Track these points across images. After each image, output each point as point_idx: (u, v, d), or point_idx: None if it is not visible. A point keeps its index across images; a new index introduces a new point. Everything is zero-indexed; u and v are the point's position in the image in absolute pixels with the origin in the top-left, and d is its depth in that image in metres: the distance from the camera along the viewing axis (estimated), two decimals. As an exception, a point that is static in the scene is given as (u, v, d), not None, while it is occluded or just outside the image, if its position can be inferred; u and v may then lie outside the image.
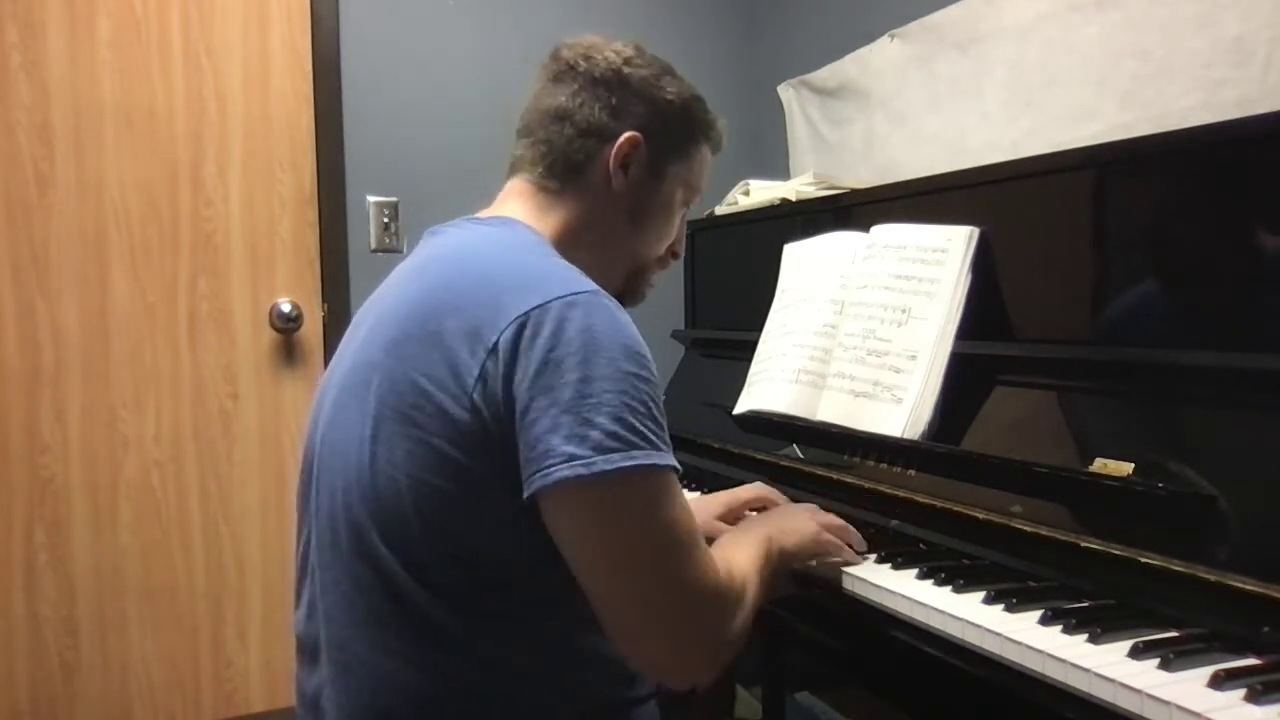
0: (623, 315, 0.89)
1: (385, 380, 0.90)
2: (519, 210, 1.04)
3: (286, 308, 2.26)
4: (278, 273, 2.27)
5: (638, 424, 0.84)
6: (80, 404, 2.11)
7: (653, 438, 0.85)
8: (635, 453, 0.83)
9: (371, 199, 2.35)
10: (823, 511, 1.18)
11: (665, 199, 1.09)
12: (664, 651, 0.88)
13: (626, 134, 1.03)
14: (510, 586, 0.91)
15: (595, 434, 0.82)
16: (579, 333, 0.84)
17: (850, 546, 1.15)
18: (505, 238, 0.99)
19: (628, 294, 1.14)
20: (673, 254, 1.16)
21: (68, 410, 2.10)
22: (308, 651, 0.98)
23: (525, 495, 0.84)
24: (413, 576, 0.88)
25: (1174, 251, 1.10)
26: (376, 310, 1.00)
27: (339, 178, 2.31)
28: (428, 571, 0.88)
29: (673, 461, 0.87)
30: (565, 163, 1.04)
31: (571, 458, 0.81)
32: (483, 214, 1.07)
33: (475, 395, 0.85)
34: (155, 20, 2.14)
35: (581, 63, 1.04)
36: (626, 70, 1.04)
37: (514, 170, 1.08)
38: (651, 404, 0.86)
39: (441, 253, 1.00)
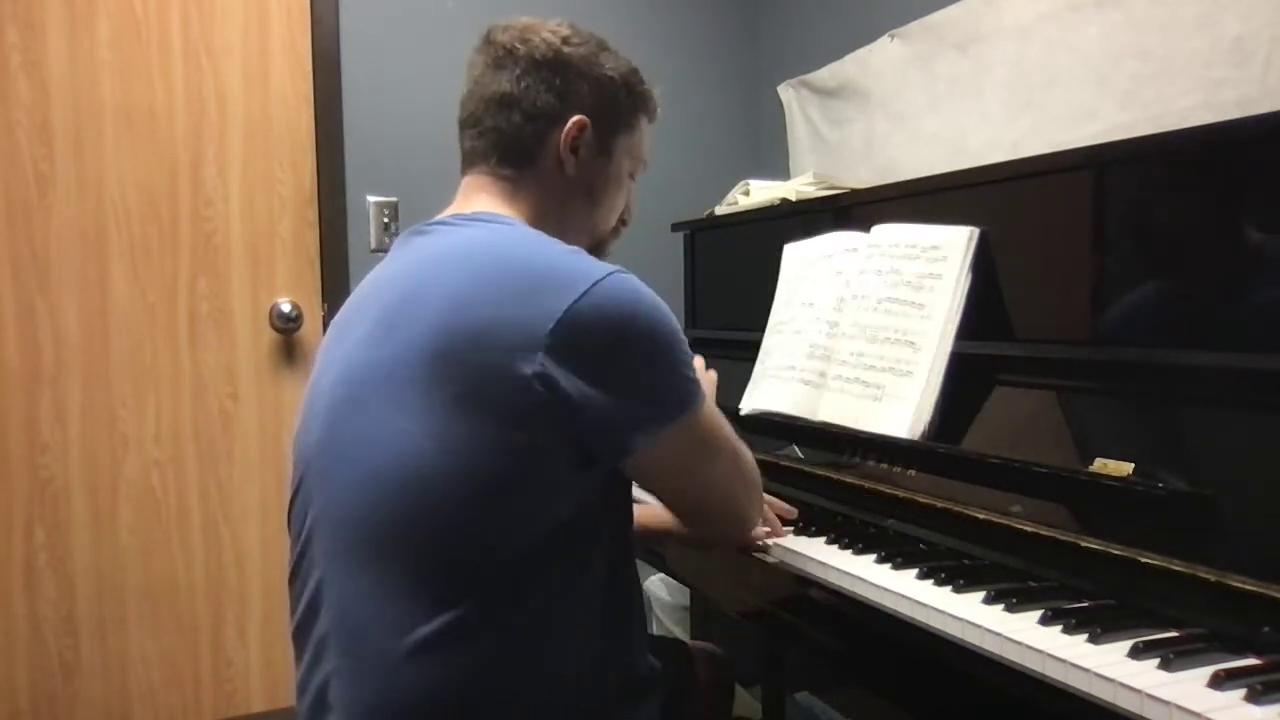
0: (643, 285, 0.96)
1: (431, 373, 0.90)
2: (489, 204, 1.06)
3: (286, 308, 2.26)
4: (278, 273, 2.27)
5: (683, 378, 0.96)
6: (80, 404, 2.11)
7: (693, 383, 0.97)
8: (687, 399, 0.96)
9: (371, 199, 2.35)
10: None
11: (616, 174, 1.12)
12: (743, 516, 1.12)
13: (574, 118, 1.05)
14: (537, 575, 0.92)
15: (658, 400, 0.94)
16: (621, 315, 0.91)
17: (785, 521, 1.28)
18: (511, 232, 1.01)
19: None
20: (623, 222, 1.19)
21: (68, 410, 2.10)
22: (310, 649, 0.98)
23: (607, 465, 0.95)
24: (445, 562, 0.90)
25: (1174, 251, 1.10)
26: (380, 306, 0.98)
27: (339, 178, 2.31)
28: (461, 557, 0.90)
29: (703, 392, 0.99)
30: (517, 149, 1.06)
31: (646, 422, 0.93)
32: (453, 212, 1.07)
33: (535, 384, 0.88)
34: (155, 20, 2.14)
35: (520, 46, 1.05)
36: (566, 50, 1.06)
37: (469, 164, 1.09)
38: (688, 354, 0.97)
39: (456, 252, 0.99)
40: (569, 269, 0.92)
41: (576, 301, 0.89)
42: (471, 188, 1.08)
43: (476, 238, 1.00)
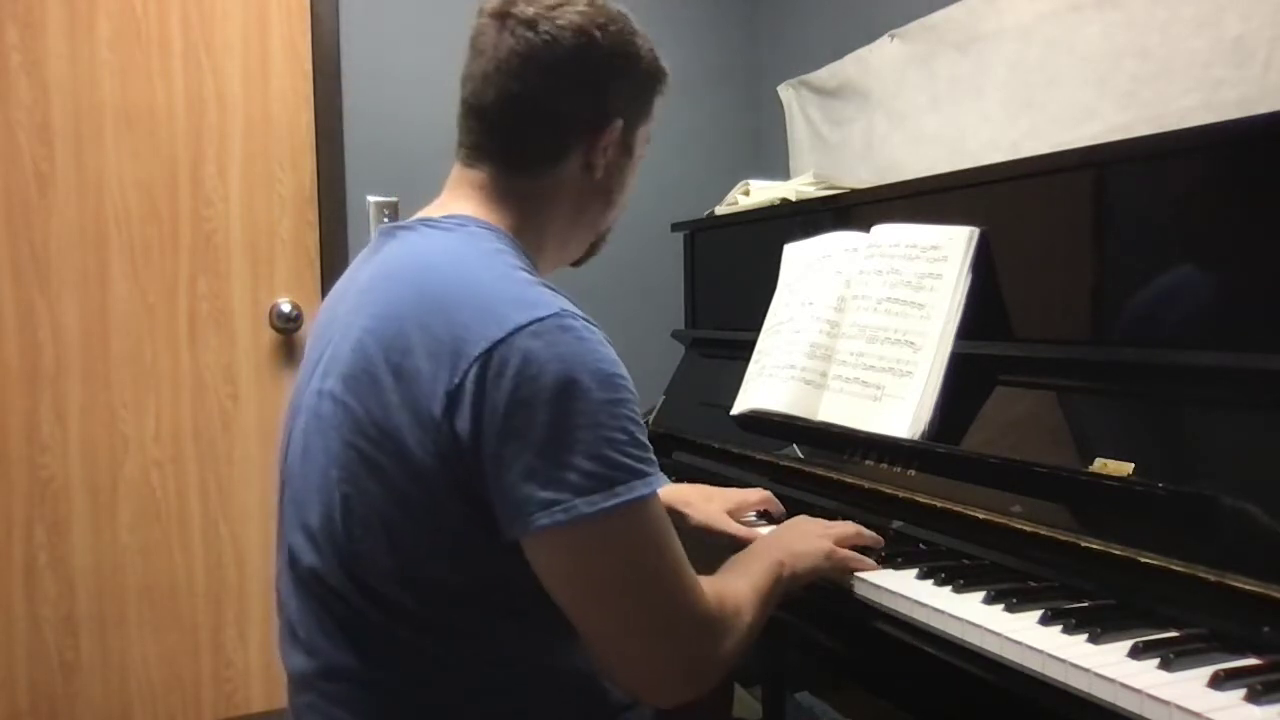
0: (589, 334, 0.83)
1: (347, 419, 0.85)
2: (475, 205, 0.96)
3: (286, 308, 2.26)
4: (278, 273, 2.27)
5: (617, 456, 0.80)
6: (80, 404, 2.11)
7: (634, 464, 0.81)
8: (617, 489, 0.79)
9: (371, 199, 2.35)
10: (833, 524, 1.15)
11: (635, 164, 1.04)
12: (648, 677, 0.86)
13: (611, 125, 0.96)
14: (485, 610, 0.88)
15: (573, 476, 0.78)
16: (545, 368, 0.79)
17: (868, 550, 1.13)
18: (461, 249, 0.91)
19: (588, 256, 1.10)
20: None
21: (68, 410, 2.10)
22: (293, 677, 0.96)
23: (506, 540, 0.82)
24: (384, 608, 0.85)
25: (1173, 251, 1.10)
26: (334, 328, 0.93)
27: (339, 178, 2.31)
28: (403, 602, 0.85)
29: (656, 485, 0.83)
30: (539, 158, 0.96)
31: (551, 504, 0.78)
32: (435, 209, 0.99)
33: (441, 439, 0.81)
34: (155, 20, 2.14)
35: (549, 32, 0.91)
36: (602, 40, 0.93)
37: (472, 157, 0.97)
38: (631, 427, 0.82)
39: (394, 269, 0.92)
40: (494, 306, 0.82)
41: (490, 349, 0.79)
42: (464, 183, 0.98)
43: (419, 254, 0.92)
